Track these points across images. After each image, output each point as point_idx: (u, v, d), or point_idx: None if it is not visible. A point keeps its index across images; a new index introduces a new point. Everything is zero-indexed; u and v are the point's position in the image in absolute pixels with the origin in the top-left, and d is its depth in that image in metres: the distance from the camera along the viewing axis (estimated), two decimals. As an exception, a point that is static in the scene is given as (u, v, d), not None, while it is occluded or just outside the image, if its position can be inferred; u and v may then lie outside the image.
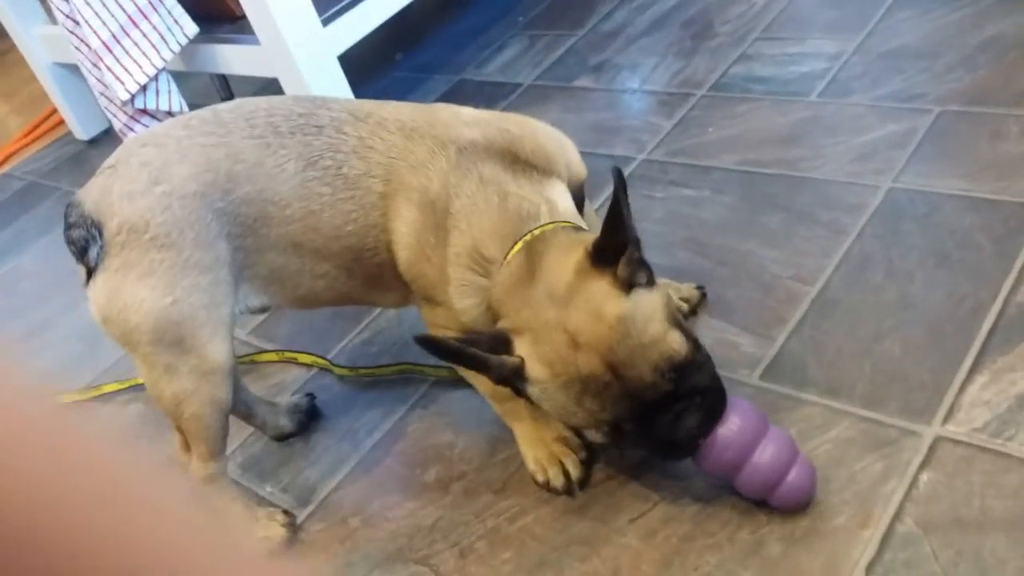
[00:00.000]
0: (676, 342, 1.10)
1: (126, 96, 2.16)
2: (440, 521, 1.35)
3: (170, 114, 2.24)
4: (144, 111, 2.22)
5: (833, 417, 1.28)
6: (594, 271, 1.10)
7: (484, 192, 1.20)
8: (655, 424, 1.12)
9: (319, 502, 1.45)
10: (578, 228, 1.22)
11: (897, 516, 1.14)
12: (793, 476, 1.14)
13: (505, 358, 1.12)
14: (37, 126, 3.21)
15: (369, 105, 1.32)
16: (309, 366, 1.73)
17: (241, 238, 1.24)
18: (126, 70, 2.14)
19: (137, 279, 1.19)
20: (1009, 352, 1.29)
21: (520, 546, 1.27)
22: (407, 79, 2.69)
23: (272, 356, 1.75)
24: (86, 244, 1.20)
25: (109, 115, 2.30)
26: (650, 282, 1.13)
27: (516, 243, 1.17)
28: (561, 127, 1.34)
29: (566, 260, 1.13)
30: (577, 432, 1.31)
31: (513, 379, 1.14)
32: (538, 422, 1.35)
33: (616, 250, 1.09)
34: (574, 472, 1.31)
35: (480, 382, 1.33)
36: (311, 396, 1.62)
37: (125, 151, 1.26)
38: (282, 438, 1.58)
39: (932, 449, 1.20)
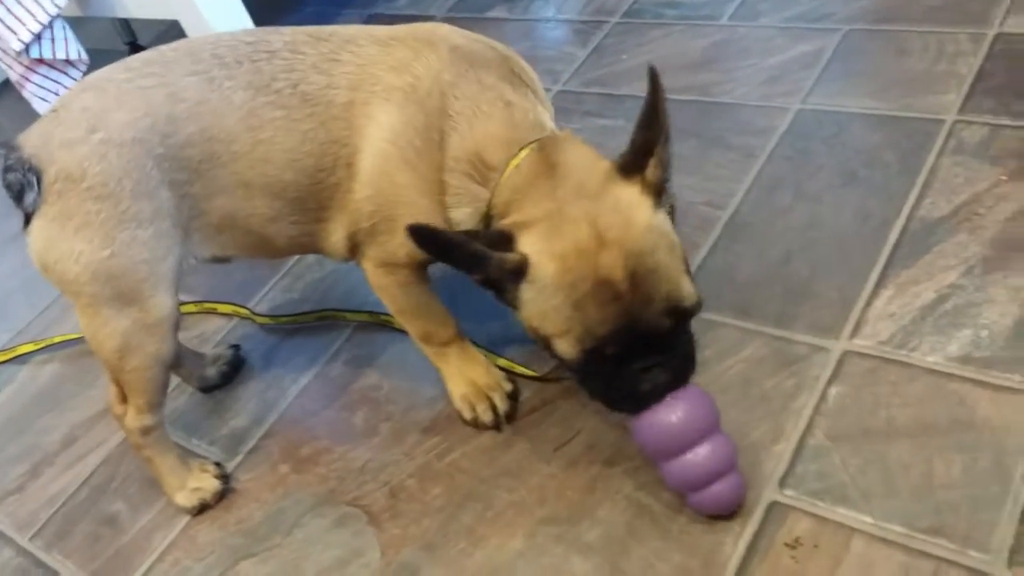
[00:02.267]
0: (688, 287, 1.04)
1: (20, 46, 2.06)
2: (370, 463, 1.36)
3: (68, 62, 2.15)
4: (40, 60, 2.12)
5: (745, 337, 1.32)
6: (623, 180, 1.05)
7: (486, 95, 1.14)
8: (630, 364, 1.05)
9: (248, 451, 1.44)
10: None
11: (808, 430, 1.18)
12: (719, 487, 1.08)
13: (506, 255, 1.04)
14: (-70, 79, 3.05)
15: (333, 28, 1.25)
16: (229, 315, 1.71)
17: (186, 185, 1.19)
18: (18, 19, 2.04)
19: (74, 231, 1.16)
20: (912, 265, 1.33)
21: (449, 481, 1.29)
22: (318, 14, 2.61)
23: (191, 308, 1.72)
24: (21, 189, 1.16)
25: (4, 67, 2.19)
26: (672, 209, 1.08)
27: (521, 150, 1.12)
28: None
29: (590, 166, 1.07)
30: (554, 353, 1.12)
31: (506, 278, 1.05)
32: (465, 362, 1.35)
33: (647, 150, 1.04)
34: (501, 406, 1.32)
35: (412, 325, 1.33)
36: (236, 347, 1.60)
37: (69, 96, 1.21)
38: (208, 389, 1.56)
39: (840, 363, 1.25)
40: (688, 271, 1.06)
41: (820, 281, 1.36)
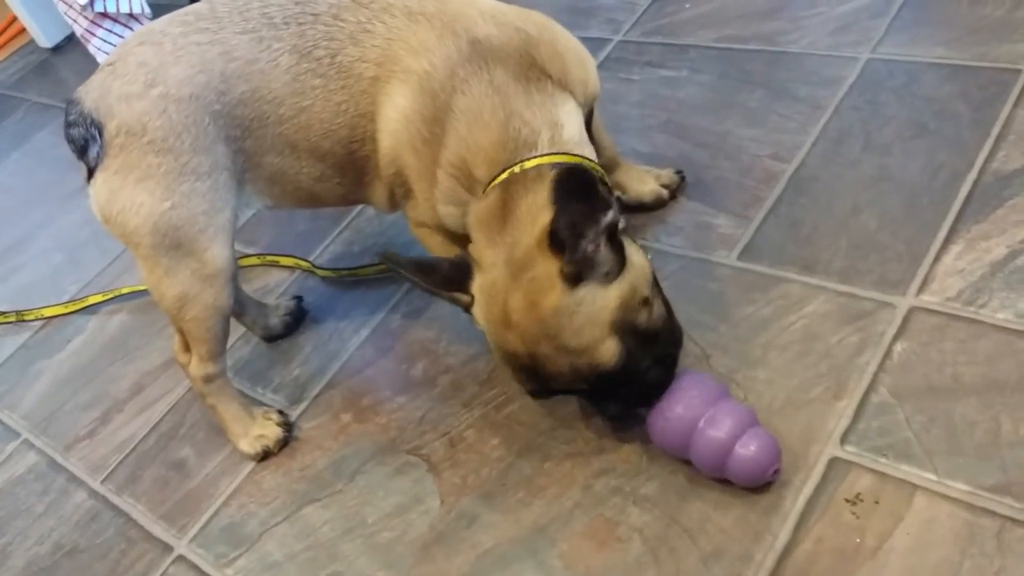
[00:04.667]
0: (608, 353, 1.05)
1: (84, 0, 2.09)
2: (429, 413, 1.38)
3: (132, 16, 2.17)
4: (104, 14, 2.15)
5: (810, 293, 1.30)
6: (549, 251, 1.04)
7: (491, 101, 1.14)
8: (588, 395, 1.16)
9: (311, 400, 1.47)
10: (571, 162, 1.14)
11: (871, 386, 1.16)
12: (746, 449, 1.07)
13: (457, 295, 1.15)
14: (-1, 35, 3.12)
15: None
16: (291, 268, 1.73)
17: (240, 140, 1.22)
18: (82, -28, 2.07)
19: (135, 182, 1.19)
20: (984, 220, 1.30)
21: (507, 432, 1.30)
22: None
23: (254, 260, 1.75)
24: (85, 144, 1.19)
25: (69, 21, 2.23)
26: (612, 273, 1.05)
27: (504, 171, 1.13)
28: (534, 8, 1.31)
29: (534, 218, 1.07)
30: None
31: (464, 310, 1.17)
32: None
33: (560, 239, 1.03)
34: None
35: (438, 238, 1.36)
36: (298, 298, 1.63)
37: (124, 48, 1.24)
38: (271, 339, 1.59)
39: (906, 320, 1.22)
40: (623, 325, 1.06)
41: (887, 236, 1.33)
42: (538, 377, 1.10)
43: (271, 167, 1.26)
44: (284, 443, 1.41)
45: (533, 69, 1.17)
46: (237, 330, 1.60)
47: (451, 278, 1.14)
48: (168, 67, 1.18)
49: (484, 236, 1.13)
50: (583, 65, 1.24)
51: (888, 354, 1.19)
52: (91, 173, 1.22)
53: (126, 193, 1.19)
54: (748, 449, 1.07)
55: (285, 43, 1.20)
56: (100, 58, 2.19)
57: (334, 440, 1.40)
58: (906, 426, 1.11)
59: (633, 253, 1.09)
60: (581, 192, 1.00)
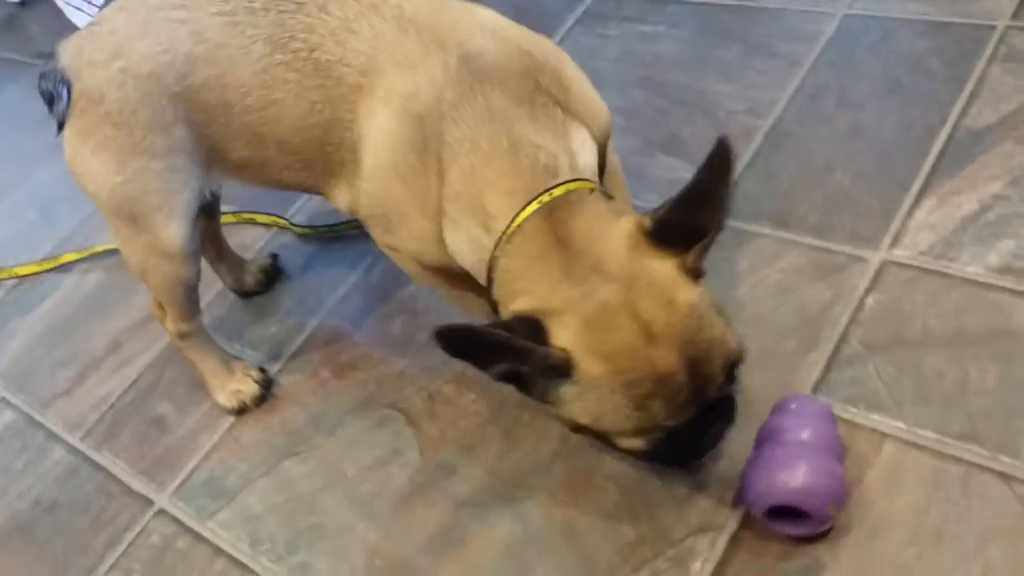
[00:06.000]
0: (735, 342, 0.97)
1: (52, -48, 2.05)
2: (408, 368, 1.39)
3: (101, -30, 2.13)
4: (73, -32, 2.11)
5: (784, 247, 1.31)
6: (654, 251, 0.94)
7: (490, 128, 1.00)
8: (692, 428, 0.98)
9: (289, 356, 1.48)
10: (604, 192, 1.04)
11: (843, 338, 1.19)
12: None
13: (550, 351, 0.92)
14: (-36, -11, 3.04)
15: None
16: (268, 226, 1.72)
17: (204, 126, 1.17)
18: (49, -77, 2.02)
19: (92, 151, 1.18)
20: (956, 175, 1.31)
21: (485, 386, 1.31)
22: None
23: (230, 217, 1.74)
24: (51, 99, 1.19)
25: (37, -26, 2.18)
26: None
27: (530, 202, 0.98)
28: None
29: (608, 232, 0.96)
30: (610, 442, 1.03)
31: (543, 375, 0.95)
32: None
33: (689, 231, 0.93)
34: None
35: (412, 264, 1.20)
36: (274, 256, 1.63)
37: (108, 11, 1.21)
38: (243, 295, 1.59)
39: (879, 273, 1.24)
40: (726, 319, 0.98)
41: (861, 191, 1.35)
42: (696, 389, 0.94)
43: (238, 154, 1.21)
44: (262, 399, 1.41)
45: (538, 93, 1.04)
46: (216, 285, 1.60)
47: (526, 335, 0.93)
48: (135, 40, 1.15)
49: (541, 274, 0.96)
50: (592, 98, 1.11)
51: (860, 307, 1.21)
52: (60, 127, 1.21)
53: (84, 158, 1.19)
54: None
55: (261, 30, 1.12)
56: (68, 13, 2.15)
57: (313, 395, 1.40)
58: (876, 377, 1.13)
59: None
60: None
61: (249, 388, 1.41)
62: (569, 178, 1.00)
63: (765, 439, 1.03)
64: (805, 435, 1.00)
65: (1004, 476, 1.01)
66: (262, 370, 1.44)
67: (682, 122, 1.56)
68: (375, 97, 1.07)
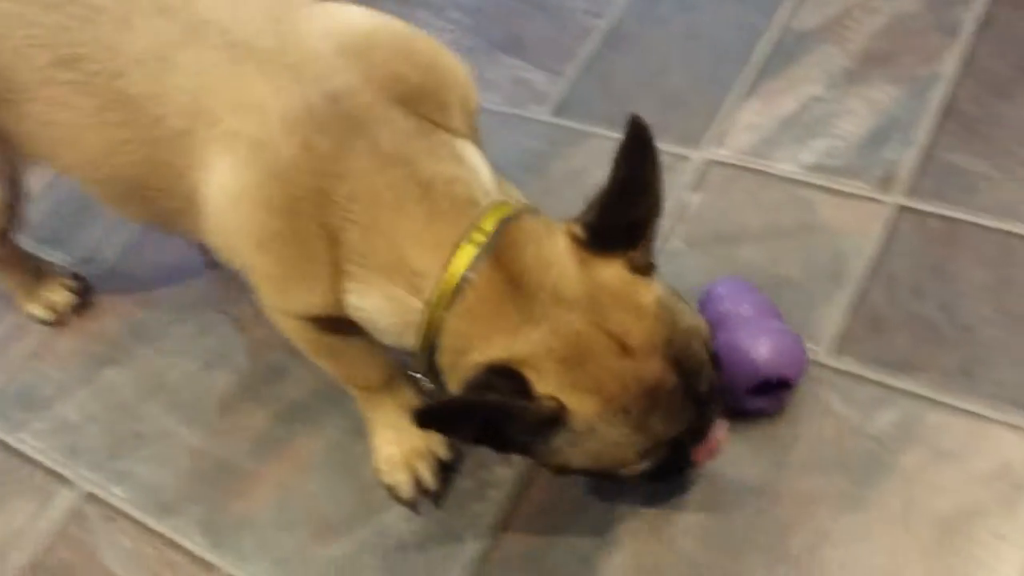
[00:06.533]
0: (699, 318, 0.90)
1: None
2: (238, 276, 1.34)
3: None
4: None
5: (613, 146, 1.32)
6: (599, 259, 0.84)
7: (390, 175, 0.84)
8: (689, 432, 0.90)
9: (110, 263, 1.41)
10: (527, 206, 0.91)
11: (668, 236, 1.21)
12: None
13: (541, 402, 0.82)
14: None
15: None
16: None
17: None
18: None
19: None
20: (780, 76, 1.34)
21: (316, 289, 1.28)
22: None
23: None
24: None
25: None
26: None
27: (460, 246, 0.84)
28: None
29: (553, 256, 0.85)
30: (612, 475, 0.92)
31: (533, 431, 0.84)
32: (399, 415, 1.10)
33: (627, 227, 0.84)
34: (428, 479, 1.09)
35: (327, 367, 1.06)
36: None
37: None
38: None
39: (703, 172, 1.27)
40: (686, 301, 0.91)
41: (692, 92, 1.36)
42: (688, 385, 0.85)
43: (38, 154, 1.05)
44: (79, 307, 1.34)
45: (439, 111, 0.90)
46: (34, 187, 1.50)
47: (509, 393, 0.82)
48: None
49: (503, 328, 0.83)
50: (453, 69, 0.95)
51: (686, 205, 1.24)
52: None
53: None
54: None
55: (45, 31, 0.91)
56: None
57: (135, 301, 1.34)
58: (694, 272, 1.17)
59: None
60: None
61: (63, 297, 1.33)
62: (486, 203, 0.87)
63: (716, 329, 1.01)
64: (746, 311, 1.04)
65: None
66: (77, 276, 1.36)
67: (522, 19, 1.54)
68: (212, 147, 0.86)
